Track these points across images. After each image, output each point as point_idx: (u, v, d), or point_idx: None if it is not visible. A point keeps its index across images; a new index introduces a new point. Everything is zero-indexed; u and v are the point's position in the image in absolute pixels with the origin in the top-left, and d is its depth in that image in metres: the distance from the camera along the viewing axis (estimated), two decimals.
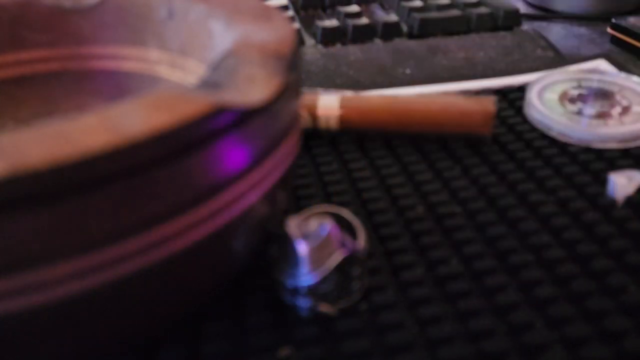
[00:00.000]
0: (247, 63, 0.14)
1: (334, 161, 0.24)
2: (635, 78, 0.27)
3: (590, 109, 0.25)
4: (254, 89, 0.13)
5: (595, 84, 0.27)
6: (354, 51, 0.34)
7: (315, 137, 0.25)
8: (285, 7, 0.39)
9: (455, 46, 0.34)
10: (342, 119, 0.24)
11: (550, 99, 0.26)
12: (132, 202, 0.11)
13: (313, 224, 0.16)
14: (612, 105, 0.26)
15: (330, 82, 0.30)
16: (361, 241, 0.18)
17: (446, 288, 0.17)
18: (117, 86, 0.21)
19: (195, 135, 0.12)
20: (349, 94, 0.25)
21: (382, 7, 0.42)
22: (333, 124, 0.24)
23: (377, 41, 0.36)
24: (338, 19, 0.38)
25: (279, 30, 0.16)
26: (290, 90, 0.15)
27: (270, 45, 0.15)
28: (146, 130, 0.11)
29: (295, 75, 0.16)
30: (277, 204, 0.16)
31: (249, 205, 0.14)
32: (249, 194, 0.14)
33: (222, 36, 0.17)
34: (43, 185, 0.10)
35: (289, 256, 0.16)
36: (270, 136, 0.14)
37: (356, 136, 0.25)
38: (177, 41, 0.20)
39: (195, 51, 0.19)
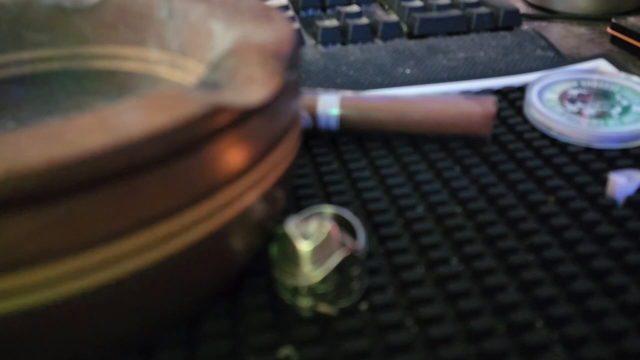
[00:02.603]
0: (246, 63, 0.14)
1: (334, 161, 0.24)
2: (635, 78, 0.27)
3: (590, 109, 0.25)
4: (253, 89, 0.13)
5: (595, 84, 0.27)
6: (354, 51, 0.34)
7: (315, 137, 0.25)
8: (285, 7, 0.39)
9: (455, 46, 0.34)
10: (342, 119, 0.24)
11: (550, 99, 0.26)
12: (129, 202, 0.11)
13: (313, 224, 0.16)
14: (612, 105, 0.26)
15: (330, 82, 0.30)
16: (361, 241, 0.18)
17: (446, 288, 0.17)
18: (117, 86, 0.21)
19: (193, 136, 0.12)
20: (349, 94, 0.25)
21: (382, 7, 0.42)
22: (333, 124, 0.24)
23: (377, 41, 0.36)
24: (338, 19, 0.38)
25: (279, 30, 0.16)
26: (289, 90, 0.15)
27: (270, 46, 0.15)
28: (143, 130, 0.11)
29: (295, 75, 0.16)
30: (276, 204, 0.16)
31: (248, 205, 0.14)
32: (247, 194, 0.14)
33: (222, 36, 0.17)
34: (39, 186, 0.10)
35: (289, 256, 0.16)
36: (269, 136, 0.14)
37: (356, 136, 0.25)
38: (177, 41, 0.20)
39: (196, 51, 0.19)
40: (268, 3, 0.20)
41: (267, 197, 0.15)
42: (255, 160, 0.14)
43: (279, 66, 0.14)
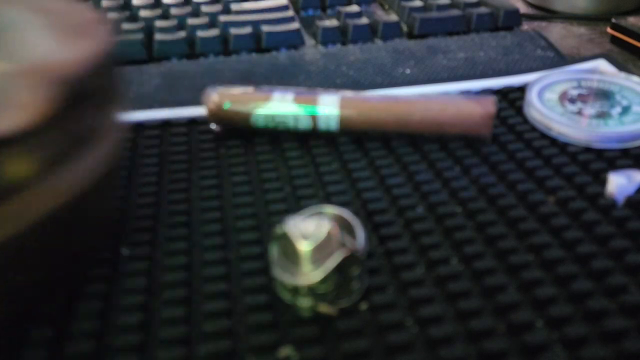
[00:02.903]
0: (20, 86, 0.13)
1: (334, 161, 0.24)
2: (635, 78, 0.27)
3: (590, 109, 0.25)
4: (10, 116, 0.13)
5: (595, 84, 0.27)
6: (354, 51, 0.34)
7: (315, 137, 0.25)
8: (285, 7, 0.39)
9: (455, 46, 0.34)
10: (342, 119, 0.24)
11: (550, 99, 0.26)
12: None
13: (313, 224, 0.16)
14: (612, 105, 0.26)
15: (330, 82, 0.30)
16: (361, 241, 0.18)
17: (446, 288, 0.17)
18: None
19: None
20: (349, 94, 0.25)
21: (382, 7, 0.42)
22: (333, 124, 0.24)
23: (377, 41, 0.36)
24: (338, 19, 0.38)
25: (83, 51, 0.16)
26: (72, 112, 0.15)
27: (60, 68, 0.14)
28: None
29: (95, 95, 0.15)
30: (81, 220, 0.15)
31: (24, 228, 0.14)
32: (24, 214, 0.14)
33: (40, 48, 0.17)
34: None
35: (289, 256, 0.16)
36: (45, 158, 0.14)
37: (356, 136, 0.25)
38: (9, 50, 0.19)
39: (22, 61, 0.19)
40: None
41: (57, 213, 0.14)
42: (26, 184, 0.13)
43: (55, 91, 0.14)
